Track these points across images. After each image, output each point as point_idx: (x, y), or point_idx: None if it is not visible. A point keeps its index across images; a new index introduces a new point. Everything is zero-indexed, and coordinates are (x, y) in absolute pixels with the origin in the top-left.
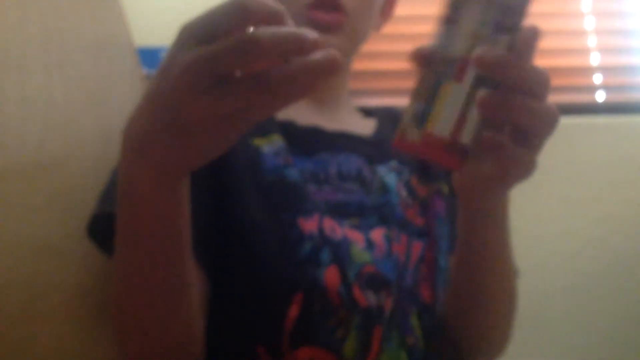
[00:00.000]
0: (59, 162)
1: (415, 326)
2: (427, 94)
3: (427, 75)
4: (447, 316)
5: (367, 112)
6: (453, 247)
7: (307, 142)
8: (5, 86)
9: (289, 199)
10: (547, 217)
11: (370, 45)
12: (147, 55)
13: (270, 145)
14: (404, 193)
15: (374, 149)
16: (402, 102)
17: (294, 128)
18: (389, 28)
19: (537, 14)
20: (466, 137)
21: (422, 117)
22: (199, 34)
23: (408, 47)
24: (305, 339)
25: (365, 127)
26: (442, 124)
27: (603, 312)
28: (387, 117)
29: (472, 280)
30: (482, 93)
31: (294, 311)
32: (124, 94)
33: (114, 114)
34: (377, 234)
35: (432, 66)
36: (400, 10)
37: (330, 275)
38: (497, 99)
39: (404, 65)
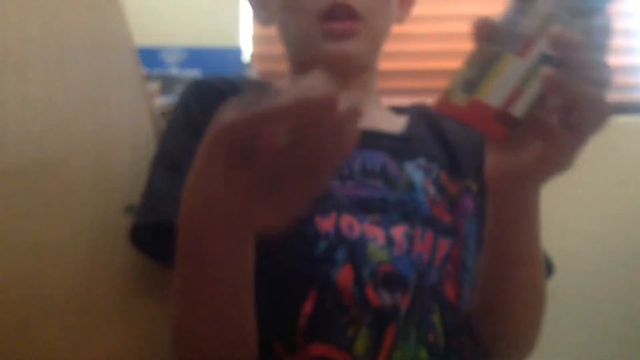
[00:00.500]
0: (59, 162)
1: (437, 324)
2: (482, 63)
3: (485, 46)
4: (474, 314)
5: (399, 110)
6: (481, 247)
7: None
8: (5, 86)
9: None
10: (547, 217)
11: None
12: (147, 55)
13: None
14: (432, 190)
15: (402, 145)
16: (402, 101)
17: None
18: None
19: None
20: (518, 111)
21: (473, 84)
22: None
23: (408, 47)
24: (317, 335)
25: (395, 124)
26: (494, 93)
27: (603, 311)
28: (419, 114)
29: (502, 275)
30: (545, 71)
31: (307, 308)
32: (124, 94)
33: (114, 114)
34: (398, 231)
35: (494, 38)
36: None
37: (343, 275)
38: (563, 76)
39: (404, 65)
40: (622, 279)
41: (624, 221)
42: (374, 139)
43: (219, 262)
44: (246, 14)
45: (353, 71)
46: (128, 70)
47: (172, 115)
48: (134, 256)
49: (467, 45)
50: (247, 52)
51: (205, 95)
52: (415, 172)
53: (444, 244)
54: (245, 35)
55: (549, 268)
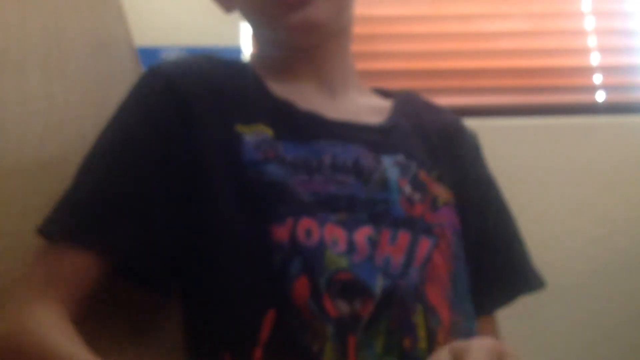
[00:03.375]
0: (59, 162)
1: (420, 325)
2: None
3: None
4: None
5: (386, 93)
6: (470, 260)
7: (303, 127)
8: (5, 86)
9: (264, 202)
10: (547, 217)
11: (371, 45)
12: (147, 55)
13: (253, 136)
14: (408, 189)
15: (381, 138)
16: None
17: (292, 111)
18: (389, 28)
19: (537, 14)
20: None
21: None
22: None
23: (408, 47)
24: (281, 355)
25: (376, 112)
26: None
27: (603, 311)
28: (405, 101)
29: None
30: None
31: (264, 332)
32: (124, 94)
33: None
34: (361, 235)
35: None
36: (400, 10)
37: (298, 288)
38: None
39: (404, 65)
40: (622, 279)
41: (623, 221)
42: (348, 131)
43: None
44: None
45: (324, 38)
46: (128, 70)
47: (122, 104)
48: None
49: (468, 45)
50: (247, 52)
51: (158, 88)
52: (391, 168)
53: (425, 244)
54: (245, 35)
55: (538, 283)
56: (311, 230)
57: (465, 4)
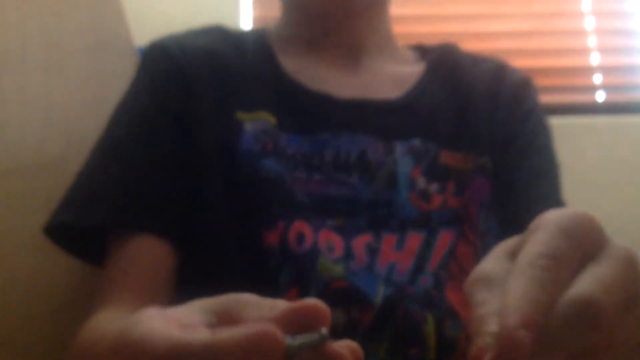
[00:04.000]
0: (59, 162)
1: (430, 335)
2: None
3: None
4: None
5: (425, 51)
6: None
7: (309, 114)
8: (5, 86)
9: (256, 201)
10: None
11: None
12: None
13: (254, 124)
14: (422, 182)
15: (396, 120)
16: None
17: (300, 95)
18: None
19: (537, 14)
20: None
21: None
22: None
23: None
24: None
25: (400, 83)
26: None
27: None
28: (440, 60)
29: None
30: None
31: None
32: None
33: None
34: (359, 243)
35: None
36: (400, 10)
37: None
38: None
39: None
40: None
41: (623, 221)
42: (359, 116)
43: None
44: (246, 14)
45: (358, 4)
46: (128, 70)
47: (129, 86)
48: None
49: (468, 45)
50: None
51: (158, 63)
52: (403, 158)
53: (446, 237)
54: None
55: None
56: (304, 234)
57: (465, 4)
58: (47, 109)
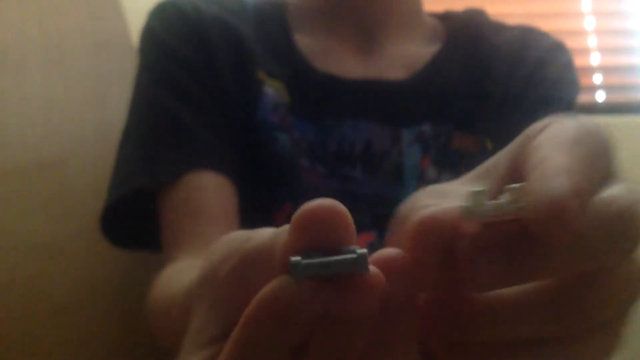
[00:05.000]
0: (59, 162)
1: None
2: None
3: None
4: None
5: (447, 19)
6: None
7: (315, 99)
8: (5, 86)
9: (269, 177)
10: None
11: None
12: None
13: (274, 91)
14: (431, 172)
15: (405, 102)
16: None
17: (309, 76)
18: None
19: (537, 14)
20: None
21: None
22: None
23: None
24: None
25: (413, 63)
26: None
27: None
28: (462, 30)
29: None
30: None
31: None
32: (124, 94)
33: (114, 113)
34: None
35: None
36: None
37: None
38: None
39: None
40: None
41: None
42: (364, 98)
43: None
44: None
45: None
46: (128, 70)
47: (140, 51)
48: (133, 256)
49: None
50: None
51: (172, 20)
52: (411, 148)
53: None
54: None
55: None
56: None
57: (465, 4)
58: (47, 109)
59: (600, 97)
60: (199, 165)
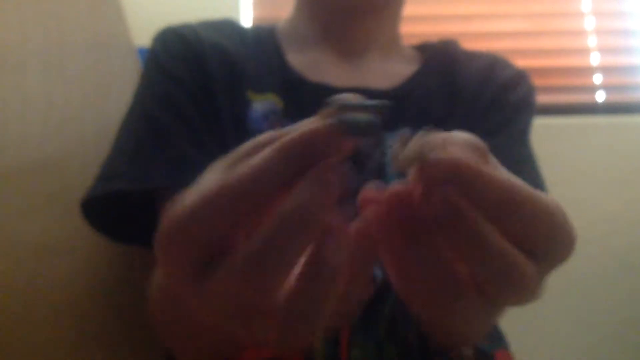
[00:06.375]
0: (59, 162)
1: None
2: None
3: None
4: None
5: (424, 49)
6: None
7: (308, 104)
8: (5, 86)
9: None
10: None
11: None
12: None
13: (263, 104)
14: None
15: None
16: None
17: (302, 85)
18: None
19: (537, 14)
20: None
21: None
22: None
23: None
24: None
25: (393, 77)
26: None
27: (603, 312)
28: (437, 57)
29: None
30: None
31: None
32: (124, 94)
33: (114, 114)
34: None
35: None
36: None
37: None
38: None
39: None
40: (622, 279)
41: (623, 221)
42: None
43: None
44: (246, 14)
45: (377, 3)
46: (128, 70)
47: (143, 69)
48: (133, 256)
49: (468, 45)
50: None
51: (174, 45)
52: (389, 150)
53: None
54: None
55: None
56: None
57: (465, 4)
58: (47, 109)
59: (600, 97)
60: (171, 178)
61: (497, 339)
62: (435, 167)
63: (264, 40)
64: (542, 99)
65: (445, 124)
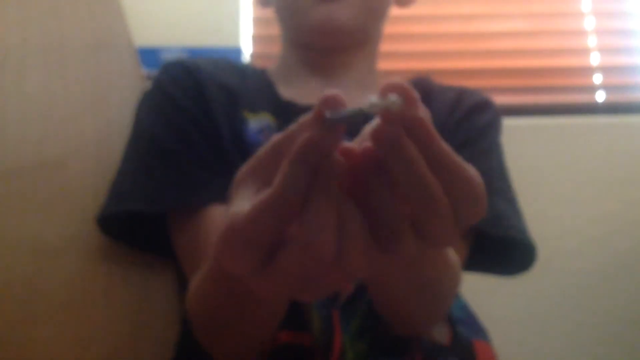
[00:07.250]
0: (59, 162)
1: None
2: None
3: None
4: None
5: None
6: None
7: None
8: (5, 86)
9: None
10: (547, 217)
11: None
12: (147, 55)
13: (258, 121)
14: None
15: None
16: None
17: (292, 108)
18: (389, 28)
19: (537, 14)
20: None
21: None
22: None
23: (408, 47)
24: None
25: None
26: None
27: (603, 312)
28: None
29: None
30: None
31: None
32: (124, 94)
33: (114, 113)
34: None
35: None
36: (400, 10)
37: None
38: None
39: (403, 65)
40: (622, 279)
41: (623, 221)
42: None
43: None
44: (246, 14)
45: (345, 41)
46: (128, 70)
47: (148, 96)
48: (133, 256)
49: (468, 45)
50: (247, 52)
51: (178, 76)
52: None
53: None
54: (245, 35)
55: (530, 254)
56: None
57: (465, 4)
58: (47, 109)
59: (600, 97)
60: (212, 199)
61: (478, 330)
62: (400, 115)
63: (256, 75)
64: (542, 99)
65: None
